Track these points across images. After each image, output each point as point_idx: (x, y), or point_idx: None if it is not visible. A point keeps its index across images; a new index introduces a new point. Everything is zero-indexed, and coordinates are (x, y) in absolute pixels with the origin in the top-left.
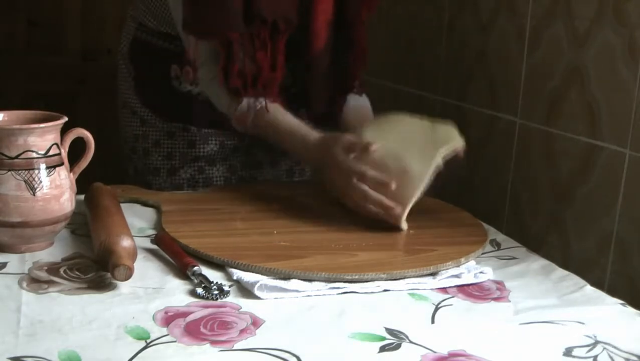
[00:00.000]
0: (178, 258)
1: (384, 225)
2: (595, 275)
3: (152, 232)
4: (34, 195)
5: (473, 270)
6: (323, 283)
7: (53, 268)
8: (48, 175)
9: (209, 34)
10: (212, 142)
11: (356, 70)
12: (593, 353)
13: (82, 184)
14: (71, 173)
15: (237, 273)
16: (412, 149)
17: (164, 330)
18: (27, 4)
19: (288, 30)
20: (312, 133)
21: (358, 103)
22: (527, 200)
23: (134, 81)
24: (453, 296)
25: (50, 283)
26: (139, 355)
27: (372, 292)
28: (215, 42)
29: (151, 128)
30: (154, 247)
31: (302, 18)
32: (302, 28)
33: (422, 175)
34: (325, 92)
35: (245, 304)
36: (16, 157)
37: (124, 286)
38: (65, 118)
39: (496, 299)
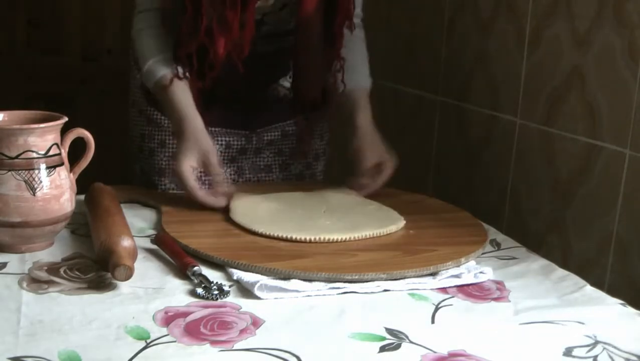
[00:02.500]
0: (178, 258)
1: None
2: (595, 275)
3: (152, 232)
4: (34, 195)
5: (473, 270)
6: (323, 283)
7: (53, 268)
8: (48, 175)
9: None
10: (218, 142)
11: (341, 36)
12: (593, 353)
13: (82, 184)
14: (71, 173)
15: (237, 273)
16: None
17: (164, 330)
18: (27, 4)
19: None
20: (192, 122)
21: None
22: (527, 200)
23: (141, 80)
24: (453, 297)
25: (50, 283)
26: (139, 355)
27: (372, 292)
28: None
29: (157, 127)
30: (154, 247)
31: None
32: None
33: None
34: (317, 60)
35: (245, 304)
36: (16, 157)
37: (124, 287)
38: (65, 119)
39: (496, 299)
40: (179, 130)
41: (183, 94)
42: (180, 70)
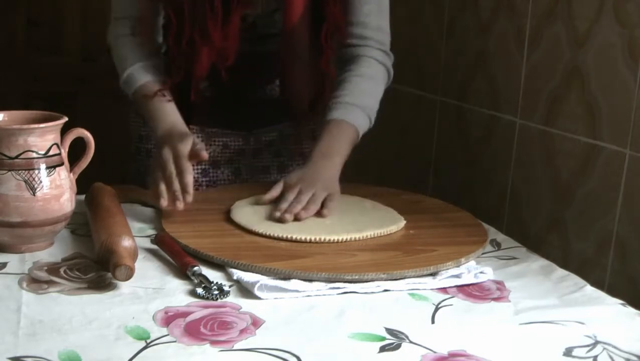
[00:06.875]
0: (178, 258)
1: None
2: (595, 275)
3: (152, 232)
4: (34, 195)
5: (473, 270)
6: (323, 283)
7: (53, 268)
8: (48, 175)
9: None
10: (216, 143)
11: (328, 48)
12: (593, 353)
13: (82, 184)
14: (71, 173)
15: (237, 273)
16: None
17: (164, 330)
18: (27, 4)
19: (242, 2)
20: (163, 125)
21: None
22: (527, 200)
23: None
24: (453, 297)
25: (50, 283)
26: (139, 355)
27: (372, 292)
28: (167, 8)
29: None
30: (154, 247)
31: None
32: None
33: None
34: (303, 73)
35: (245, 304)
36: (16, 157)
37: (124, 287)
38: (65, 118)
39: (496, 299)
40: (155, 130)
41: (166, 103)
42: (163, 78)
